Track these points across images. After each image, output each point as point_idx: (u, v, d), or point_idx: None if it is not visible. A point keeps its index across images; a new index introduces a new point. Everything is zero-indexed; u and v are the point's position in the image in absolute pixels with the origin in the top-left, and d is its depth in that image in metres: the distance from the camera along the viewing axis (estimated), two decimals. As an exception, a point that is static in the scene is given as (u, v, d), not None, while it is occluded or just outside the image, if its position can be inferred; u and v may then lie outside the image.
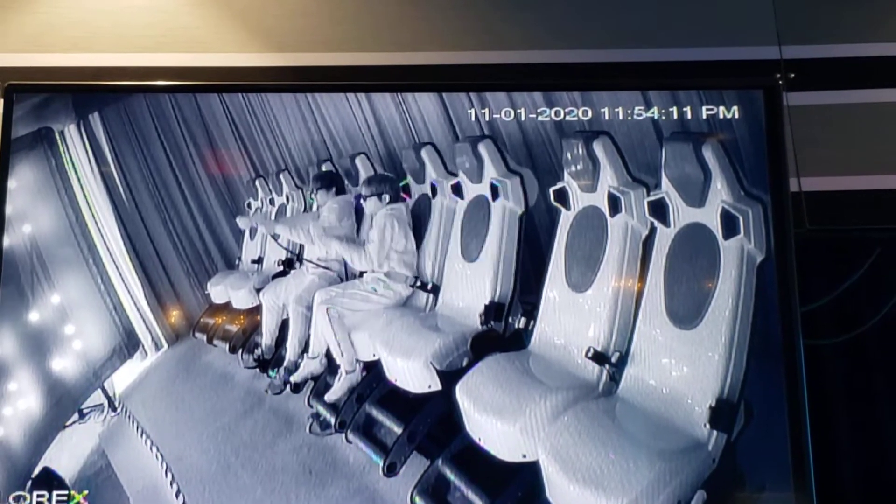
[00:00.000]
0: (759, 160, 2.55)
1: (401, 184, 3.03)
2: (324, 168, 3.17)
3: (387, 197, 2.98)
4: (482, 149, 2.82)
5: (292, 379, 2.90)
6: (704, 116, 2.62)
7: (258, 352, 3.02)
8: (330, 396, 2.83)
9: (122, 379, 2.95)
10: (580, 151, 2.65)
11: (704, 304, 2.39)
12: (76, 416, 2.83)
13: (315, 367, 2.89)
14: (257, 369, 3.01)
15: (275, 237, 3.17)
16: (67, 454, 2.72)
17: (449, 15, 3.14)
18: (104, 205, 3.03)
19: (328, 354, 2.89)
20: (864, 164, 2.98)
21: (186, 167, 3.05)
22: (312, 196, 3.15)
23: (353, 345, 2.89)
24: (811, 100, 3.01)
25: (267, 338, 3.02)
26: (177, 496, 2.62)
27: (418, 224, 3.00)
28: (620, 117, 2.65)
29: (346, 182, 3.12)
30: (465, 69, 3.08)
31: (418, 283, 2.96)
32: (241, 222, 3.13)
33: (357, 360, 2.87)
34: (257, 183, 3.18)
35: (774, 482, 2.41)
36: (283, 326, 3.00)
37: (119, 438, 2.83)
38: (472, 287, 2.86)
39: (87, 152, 3.06)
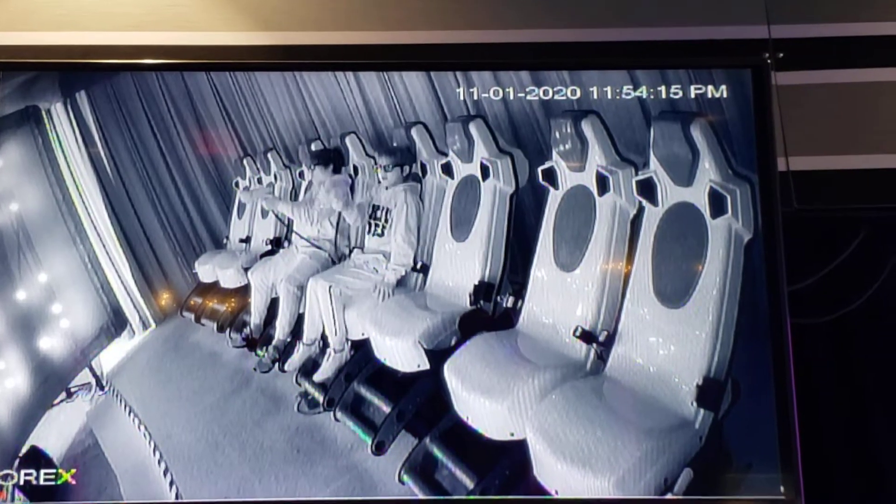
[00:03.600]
0: (747, 139, 2.55)
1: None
2: (313, 147, 3.17)
3: (408, 168, 2.99)
4: (473, 128, 2.82)
5: (288, 367, 2.90)
6: (693, 96, 2.62)
7: (246, 331, 3.02)
8: (318, 376, 2.84)
9: (110, 358, 2.95)
10: (569, 130, 2.65)
11: (692, 283, 2.39)
12: (64, 394, 2.83)
13: (312, 353, 2.90)
14: (245, 348, 3.01)
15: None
16: (55, 433, 2.72)
17: (437, -7, 3.14)
18: (91, 183, 3.02)
19: (322, 336, 2.90)
20: (853, 143, 2.98)
21: (174, 146, 3.04)
22: (310, 169, 3.15)
23: (345, 324, 2.89)
24: (800, 79, 3.00)
25: (256, 317, 3.02)
26: (164, 474, 2.62)
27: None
28: (609, 96, 2.64)
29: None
30: (453, 48, 3.07)
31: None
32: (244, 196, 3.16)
33: (346, 340, 2.87)
34: (245, 162, 3.18)
35: (761, 460, 2.42)
36: (272, 305, 3.00)
37: (107, 417, 2.83)
38: (461, 267, 2.86)
39: (73, 131, 3.05)
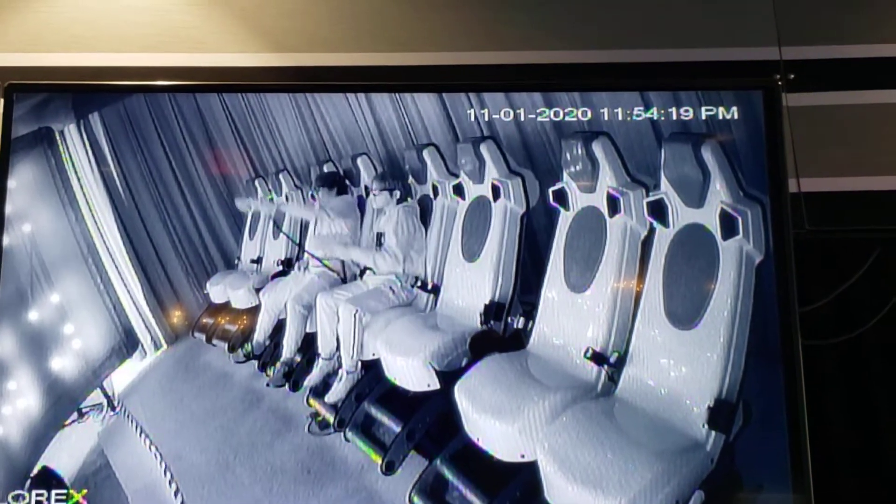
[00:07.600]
0: (758, 161, 2.54)
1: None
2: (326, 169, 3.18)
3: (398, 193, 2.99)
4: (484, 149, 2.82)
5: (307, 383, 2.89)
6: (704, 117, 2.62)
7: (248, 346, 3.02)
8: (330, 398, 2.83)
9: (122, 378, 2.95)
10: (579, 152, 2.65)
11: (703, 304, 2.38)
12: (75, 415, 2.84)
13: (331, 368, 2.89)
14: (254, 367, 3.01)
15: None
16: (66, 453, 2.72)
17: (448, 15, 3.14)
18: (104, 204, 3.04)
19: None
20: (864, 165, 2.98)
21: (186, 167, 3.05)
22: (314, 193, 3.15)
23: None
24: (811, 101, 3.00)
25: (260, 335, 3.02)
26: (175, 495, 2.62)
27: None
28: (620, 118, 2.65)
29: (347, 183, 3.13)
30: (465, 69, 3.08)
31: (419, 283, 2.97)
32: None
33: (357, 360, 2.87)
34: (257, 183, 3.19)
35: (772, 482, 2.41)
36: (279, 325, 3.01)
37: (118, 438, 2.84)
38: (472, 287, 2.86)
39: (86, 152, 3.06)
